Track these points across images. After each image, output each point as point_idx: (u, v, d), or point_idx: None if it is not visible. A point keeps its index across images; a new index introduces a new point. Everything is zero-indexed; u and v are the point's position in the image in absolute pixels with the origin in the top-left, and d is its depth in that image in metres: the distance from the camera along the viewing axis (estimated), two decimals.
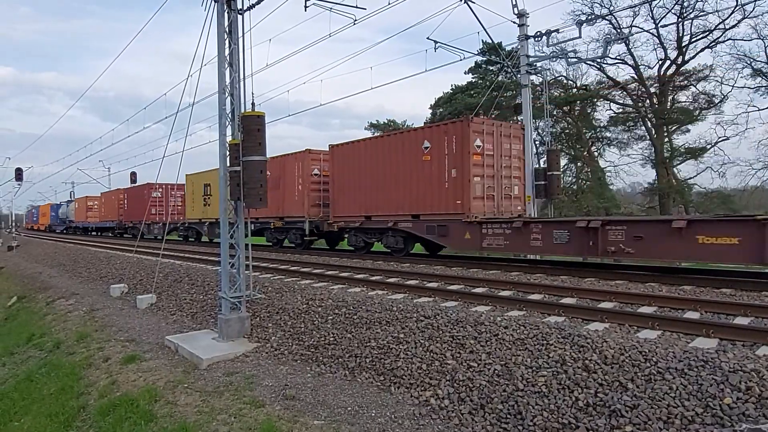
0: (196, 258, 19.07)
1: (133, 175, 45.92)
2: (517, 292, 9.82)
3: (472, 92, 40.47)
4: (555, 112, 34.45)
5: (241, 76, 9.93)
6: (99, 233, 47.89)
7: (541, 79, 32.38)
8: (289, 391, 7.12)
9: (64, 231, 57.66)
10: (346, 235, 19.06)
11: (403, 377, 6.97)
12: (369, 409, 6.45)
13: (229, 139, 9.81)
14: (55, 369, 9.95)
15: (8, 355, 12.31)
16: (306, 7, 13.42)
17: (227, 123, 9.90)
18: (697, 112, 31.45)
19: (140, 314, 13.03)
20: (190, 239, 32.49)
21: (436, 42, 19.51)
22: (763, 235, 8.88)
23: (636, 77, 32.47)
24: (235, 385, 7.52)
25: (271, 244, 22.59)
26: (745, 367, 5.13)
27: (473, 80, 42.53)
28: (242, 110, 9.80)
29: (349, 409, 6.50)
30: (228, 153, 9.68)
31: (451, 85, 44.70)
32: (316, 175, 20.35)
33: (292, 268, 14.70)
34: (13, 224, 64.93)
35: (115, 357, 9.59)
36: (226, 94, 9.90)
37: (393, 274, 12.63)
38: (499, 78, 33.64)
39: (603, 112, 36.21)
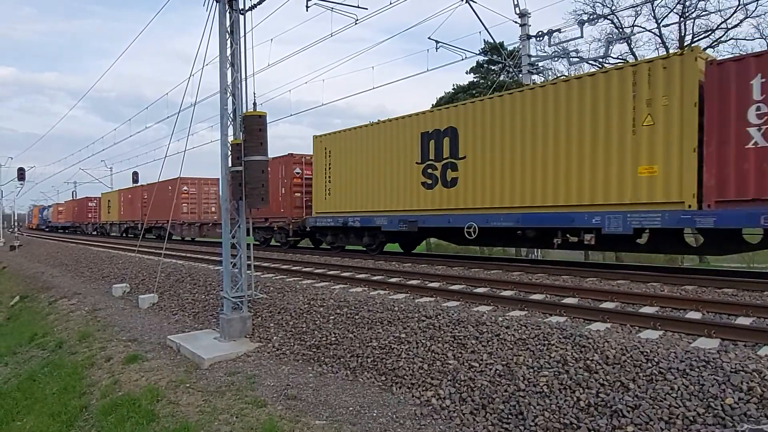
0: (198, 258, 19.09)
1: (135, 174, 46.05)
2: (518, 292, 9.82)
3: (473, 92, 40.46)
4: None
5: (243, 76, 9.95)
6: (65, 231, 59.22)
7: (542, 79, 32.41)
8: (290, 391, 7.12)
9: (45, 229, 69.74)
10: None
11: (405, 377, 6.98)
12: (371, 409, 6.46)
13: (230, 138, 9.83)
14: (57, 368, 9.97)
15: (11, 354, 12.33)
16: (307, 7, 13.43)
17: (229, 123, 9.91)
18: None
19: (142, 314, 13.05)
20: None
21: (437, 42, 19.57)
22: None
23: None
24: (237, 385, 7.53)
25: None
26: (747, 367, 5.12)
27: (475, 80, 42.54)
28: (244, 110, 9.81)
29: (351, 409, 6.51)
30: (230, 153, 9.70)
31: (453, 85, 44.71)
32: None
33: (294, 268, 14.71)
34: (16, 224, 65.13)
35: (117, 357, 9.61)
36: (228, 94, 9.91)
37: (395, 274, 12.64)
38: (501, 78, 33.62)
39: None
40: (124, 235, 40.68)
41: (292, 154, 20.86)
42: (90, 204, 49.80)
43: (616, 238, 11.23)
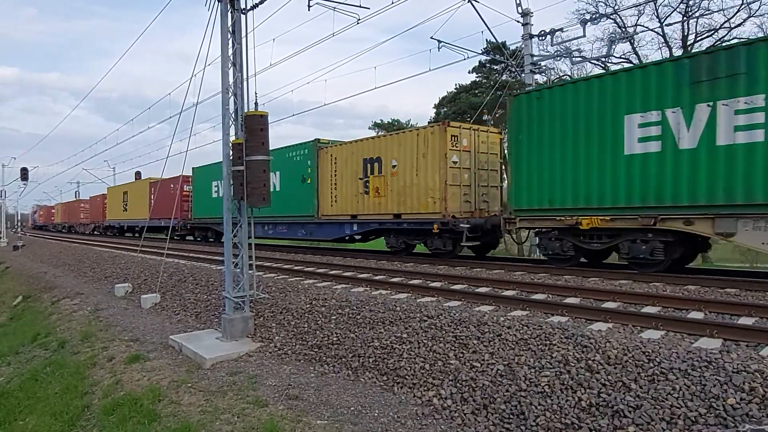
0: (200, 258, 19.12)
1: (138, 174, 46.13)
2: (520, 292, 9.81)
3: (476, 91, 40.47)
4: None
5: (245, 76, 9.94)
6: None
7: (545, 79, 32.37)
8: (292, 391, 7.13)
9: (34, 227, 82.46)
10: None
11: (406, 377, 6.97)
12: (372, 409, 6.45)
13: (232, 138, 9.84)
14: (59, 368, 9.99)
15: (13, 354, 12.36)
16: (309, 6, 13.43)
17: (230, 123, 9.92)
18: None
19: (144, 314, 13.07)
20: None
21: (439, 41, 19.55)
22: None
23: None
24: (239, 385, 7.54)
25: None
26: (749, 367, 5.11)
27: (477, 79, 42.52)
28: (245, 110, 9.82)
29: (352, 409, 6.51)
30: (231, 152, 9.71)
31: (455, 85, 44.72)
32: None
33: (296, 268, 14.72)
34: (19, 224, 65.34)
35: (119, 356, 9.63)
36: (230, 94, 9.92)
37: (396, 274, 12.64)
38: (503, 77, 33.59)
39: None
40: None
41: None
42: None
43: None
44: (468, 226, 14.34)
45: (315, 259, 17.08)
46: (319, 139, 19.98)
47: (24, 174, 48.07)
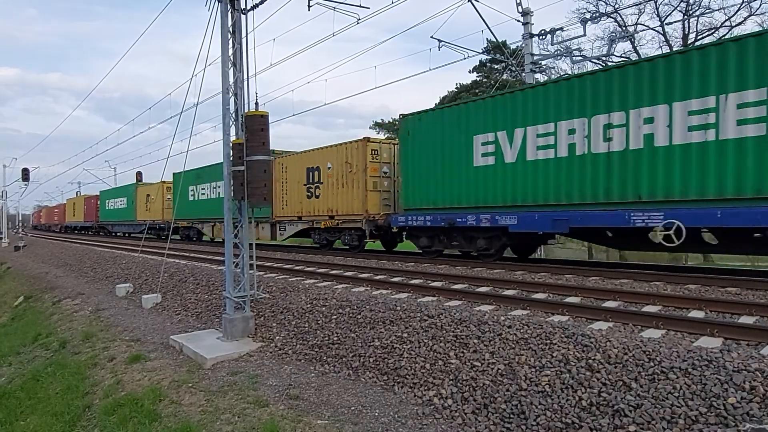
0: (201, 258, 19.13)
1: (139, 174, 46.12)
2: (521, 291, 9.81)
3: (476, 91, 40.46)
4: None
5: (245, 76, 9.95)
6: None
7: (546, 78, 32.35)
8: (292, 391, 7.13)
9: (34, 228, 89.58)
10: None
11: (407, 377, 6.97)
12: (372, 408, 6.45)
13: (233, 138, 9.84)
14: (60, 368, 10.00)
15: (15, 354, 12.38)
16: (309, 6, 13.45)
17: (231, 123, 9.92)
18: None
19: (145, 314, 13.08)
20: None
21: (440, 41, 19.56)
22: None
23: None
24: (239, 385, 7.54)
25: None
26: (750, 366, 5.10)
27: (478, 79, 42.54)
28: (246, 110, 9.82)
29: (353, 408, 6.51)
30: (232, 153, 9.71)
31: (456, 84, 44.75)
32: None
33: (297, 268, 14.73)
34: (20, 224, 65.40)
35: (120, 357, 9.64)
36: (230, 94, 9.92)
37: (397, 274, 12.64)
38: (504, 76, 33.60)
39: None
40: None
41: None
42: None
43: None
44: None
45: (316, 259, 17.09)
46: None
47: (25, 174, 48.12)
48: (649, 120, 10.44)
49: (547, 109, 12.18)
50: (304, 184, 20.62)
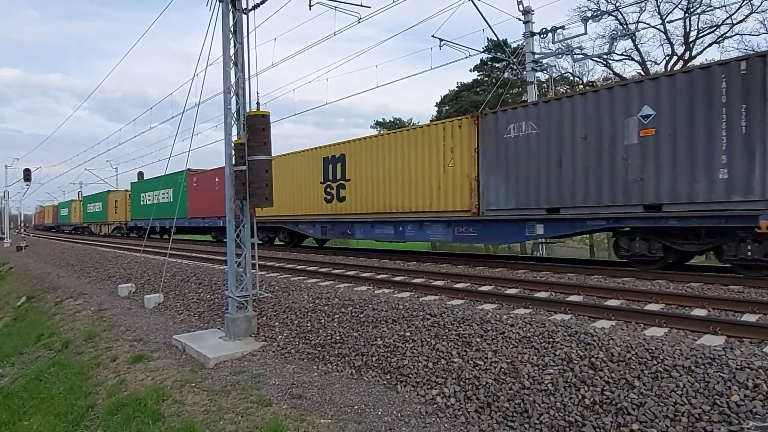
0: (203, 257, 19.14)
1: (141, 174, 46.19)
2: (523, 290, 9.80)
3: (478, 90, 40.44)
4: None
5: (246, 76, 9.95)
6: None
7: (547, 76, 32.33)
8: (295, 390, 7.14)
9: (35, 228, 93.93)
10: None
11: (410, 376, 6.98)
12: (375, 407, 6.46)
13: (234, 138, 9.84)
14: (63, 368, 10.02)
15: (17, 354, 12.40)
16: (311, 6, 13.45)
17: (232, 122, 9.92)
18: None
19: (148, 314, 13.10)
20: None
21: (441, 40, 19.53)
22: None
23: (643, 73, 32.36)
24: (242, 384, 7.55)
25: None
26: (753, 364, 5.10)
27: (479, 78, 42.50)
28: (247, 110, 9.82)
29: (356, 407, 6.51)
30: (233, 152, 9.71)
31: (457, 83, 44.77)
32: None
33: (299, 267, 14.73)
34: (22, 224, 65.50)
35: (123, 356, 9.65)
36: (232, 94, 9.93)
37: (399, 273, 12.64)
38: (505, 75, 33.56)
39: None
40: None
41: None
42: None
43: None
44: None
45: (318, 258, 17.10)
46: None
47: (27, 175, 48.18)
48: None
49: None
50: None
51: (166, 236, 33.41)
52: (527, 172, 12.33)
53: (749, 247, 9.39)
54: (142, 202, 36.64)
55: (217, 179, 25.44)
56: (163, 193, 32.74)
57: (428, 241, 21.63)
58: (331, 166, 18.64)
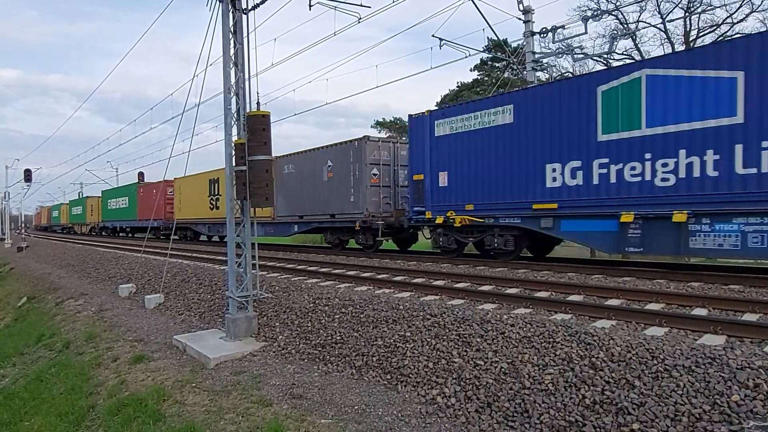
0: (204, 258, 19.16)
1: (141, 175, 46.19)
2: (523, 290, 9.80)
3: (478, 89, 40.41)
4: None
5: (246, 76, 9.95)
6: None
7: (547, 76, 32.31)
8: (296, 390, 7.14)
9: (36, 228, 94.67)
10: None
11: (410, 376, 6.98)
12: (376, 407, 6.46)
13: (234, 138, 9.85)
14: (64, 369, 10.03)
15: (18, 355, 12.42)
16: (311, 6, 13.44)
17: (233, 123, 9.92)
18: None
19: (148, 314, 13.11)
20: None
21: (441, 39, 19.51)
22: None
23: None
24: (243, 385, 7.56)
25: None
26: (753, 364, 5.10)
27: (479, 77, 42.48)
28: (247, 110, 9.83)
29: (357, 407, 6.52)
30: (234, 152, 9.71)
31: (457, 83, 44.72)
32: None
33: (299, 267, 14.74)
34: (23, 225, 65.57)
35: (123, 357, 9.66)
36: (232, 94, 9.93)
37: (399, 273, 12.64)
38: (505, 75, 33.55)
39: None
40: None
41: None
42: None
43: None
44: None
45: (318, 259, 17.10)
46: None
47: (27, 175, 48.20)
48: None
49: None
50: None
51: (122, 234, 44.60)
52: (291, 195, 21.60)
53: (361, 236, 18.72)
54: (109, 207, 45.06)
55: (154, 191, 33.10)
56: (122, 200, 41.06)
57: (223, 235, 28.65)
58: (213, 185, 27.06)
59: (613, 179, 11.08)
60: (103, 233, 48.27)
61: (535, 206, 12.54)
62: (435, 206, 15.15)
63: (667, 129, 10.25)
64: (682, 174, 10.07)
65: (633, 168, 10.75)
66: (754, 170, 9.25)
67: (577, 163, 11.74)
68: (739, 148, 9.40)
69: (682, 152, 10.06)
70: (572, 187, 11.82)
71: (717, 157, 9.63)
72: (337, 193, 19.05)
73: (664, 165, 10.28)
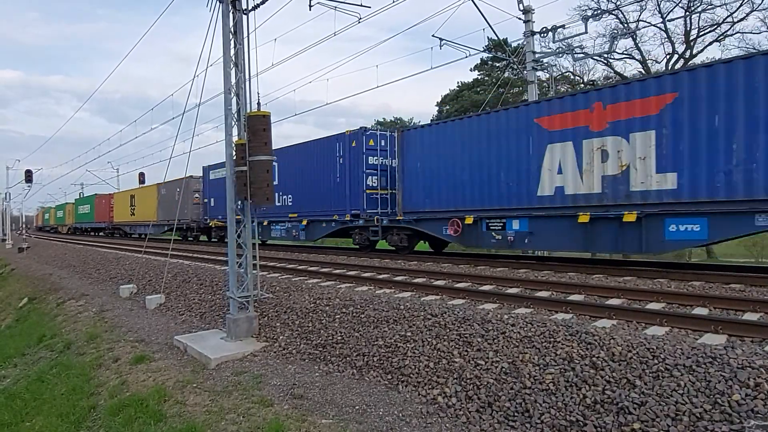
0: (204, 258, 19.16)
1: (142, 175, 46.26)
2: (524, 290, 9.80)
3: (478, 89, 40.42)
4: None
5: (247, 76, 9.95)
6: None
7: (547, 75, 32.31)
8: (297, 390, 7.14)
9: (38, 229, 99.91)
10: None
11: (411, 376, 6.98)
12: (377, 407, 6.46)
13: (235, 138, 9.85)
14: (65, 369, 10.03)
15: (20, 355, 12.42)
16: (311, 6, 13.45)
17: (233, 123, 9.93)
18: None
19: (149, 314, 13.11)
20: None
21: (441, 39, 19.51)
22: None
23: (643, 72, 32.32)
24: (244, 385, 7.56)
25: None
26: (754, 363, 5.10)
27: (479, 77, 42.48)
28: (248, 110, 9.83)
29: (357, 407, 6.52)
30: (234, 153, 9.72)
31: (458, 82, 44.74)
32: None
33: (300, 267, 14.74)
34: (23, 225, 65.75)
35: (124, 357, 9.66)
36: (232, 95, 9.93)
37: (400, 273, 12.64)
38: (506, 74, 33.54)
39: None
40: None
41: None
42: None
43: None
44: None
45: (319, 259, 17.10)
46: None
47: (28, 176, 48.28)
48: None
49: None
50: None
51: (91, 232, 55.50)
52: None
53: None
54: (78, 212, 58.13)
55: (104, 201, 47.91)
56: (87, 207, 54.40)
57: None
58: (132, 198, 39.25)
59: None
60: (76, 232, 60.00)
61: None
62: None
63: None
64: None
65: None
66: None
67: None
68: None
69: None
70: None
71: None
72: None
73: None
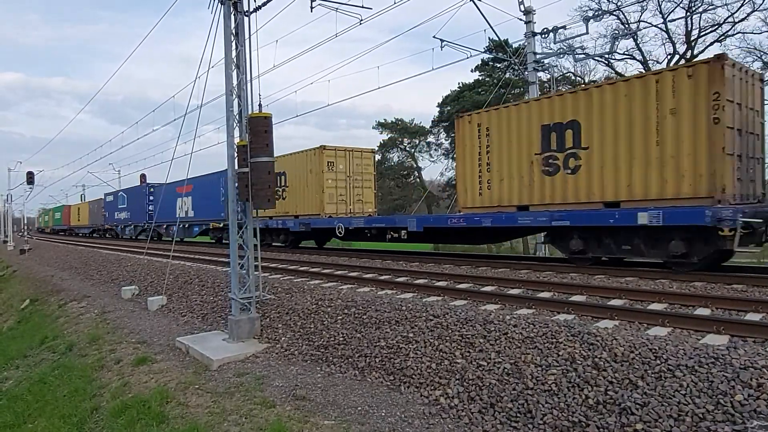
0: (206, 259, 19.18)
1: (143, 177, 46.38)
2: (526, 290, 9.80)
3: (479, 90, 40.42)
4: None
5: (248, 78, 9.97)
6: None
7: (548, 76, 32.33)
8: (299, 392, 7.14)
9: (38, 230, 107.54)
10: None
11: (413, 377, 6.98)
12: (379, 408, 6.46)
13: (236, 140, 9.86)
14: (67, 371, 10.04)
15: (22, 357, 12.43)
16: (312, 7, 13.43)
17: (235, 124, 9.94)
18: None
19: (151, 316, 13.12)
20: None
21: (442, 40, 19.55)
22: None
23: (644, 72, 32.24)
24: (246, 386, 7.56)
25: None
26: (757, 363, 5.09)
27: (480, 78, 42.48)
28: (249, 112, 9.84)
29: (359, 408, 6.52)
30: (236, 154, 9.73)
31: (459, 83, 44.75)
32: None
33: (302, 269, 14.76)
34: (25, 227, 66.04)
35: (126, 359, 9.67)
36: (234, 96, 9.94)
37: (402, 274, 12.64)
38: (507, 75, 33.57)
39: None
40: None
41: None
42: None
43: None
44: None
45: (320, 260, 17.11)
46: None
47: (30, 178, 48.36)
48: None
49: None
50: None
51: (61, 233, 68.72)
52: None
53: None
54: (55, 217, 72.78)
55: (67, 210, 65.99)
56: (59, 213, 70.24)
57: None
58: (77, 209, 56.25)
59: None
60: (55, 233, 71.75)
61: None
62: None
63: None
64: None
65: None
66: None
67: None
68: None
69: None
70: None
71: None
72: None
73: None
